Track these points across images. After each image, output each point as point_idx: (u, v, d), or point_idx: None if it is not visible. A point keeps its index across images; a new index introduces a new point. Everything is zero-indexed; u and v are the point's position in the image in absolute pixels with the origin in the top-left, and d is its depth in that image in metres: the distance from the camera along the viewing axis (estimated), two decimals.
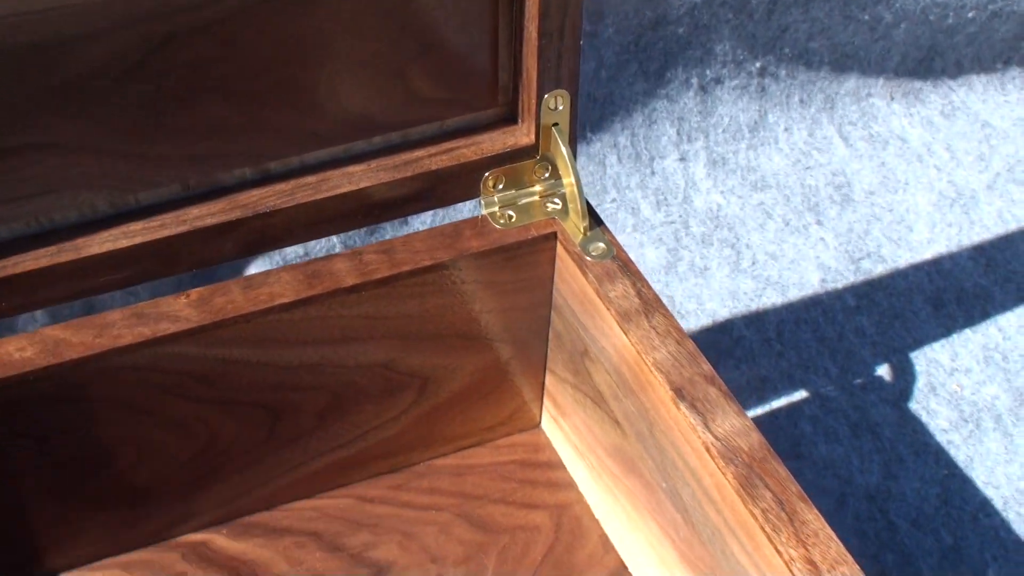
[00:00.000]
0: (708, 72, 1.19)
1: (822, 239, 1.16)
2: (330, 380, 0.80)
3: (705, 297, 1.11)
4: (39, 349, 0.72)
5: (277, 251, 1.08)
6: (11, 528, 0.78)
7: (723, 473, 0.68)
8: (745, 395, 1.04)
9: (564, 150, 0.78)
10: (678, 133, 1.20)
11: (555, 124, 0.79)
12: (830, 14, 1.21)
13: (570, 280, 0.79)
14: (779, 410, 1.03)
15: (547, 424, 0.89)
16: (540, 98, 0.77)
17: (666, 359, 0.72)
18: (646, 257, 1.14)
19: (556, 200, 0.81)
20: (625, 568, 0.82)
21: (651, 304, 0.75)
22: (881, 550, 0.96)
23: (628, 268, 0.77)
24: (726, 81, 1.20)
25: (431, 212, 1.12)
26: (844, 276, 1.13)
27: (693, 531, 0.73)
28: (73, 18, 0.67)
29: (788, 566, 0.64)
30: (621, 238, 1.16)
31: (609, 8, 1.12)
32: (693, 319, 1.09)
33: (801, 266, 1.14)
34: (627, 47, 1.15)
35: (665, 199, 1.18)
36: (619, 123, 1.18)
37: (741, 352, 1.07)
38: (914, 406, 1.05)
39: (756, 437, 0.69)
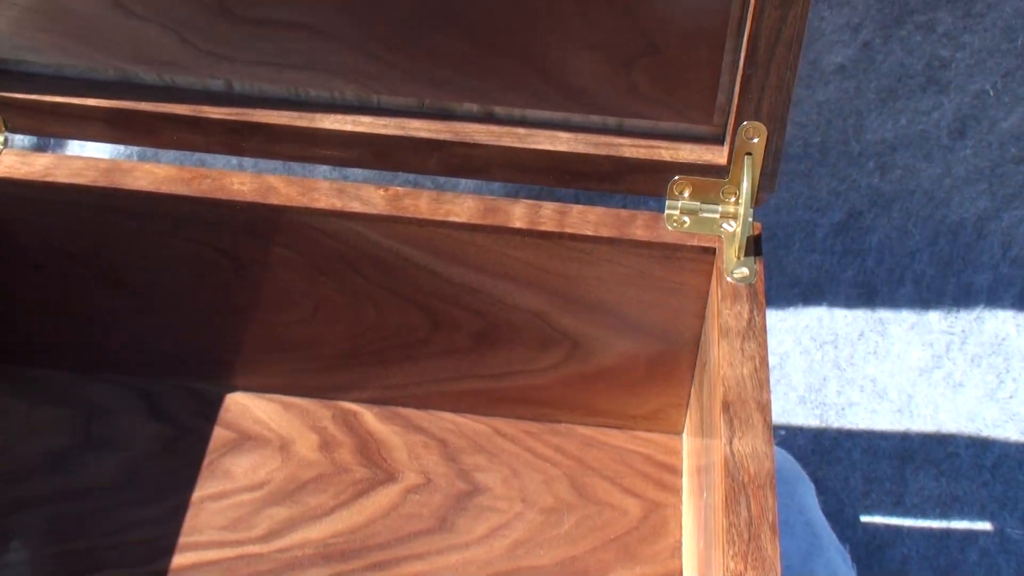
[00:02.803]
0: None
1: None
2: (488, 308, 0.90)
3: (943, 408, 1.11)
4: (254, 188, 0.87)
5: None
6: (207, 335, 0.94)
7: (722, 483, 0.72)
8: (931, 505, 1.04)
9: (746, 182, 0.84)
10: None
11: (748, 153, 0.85)
12: None
13: (713, 294, 0.85)
14: (954, 531, 1.02)
15: (687, 433, 0.95)
16: (739, 125, 0.84)
17: (734, 376, 0.77)
18: (909, 355, 1.16)
19: (732, 223, 0.86)
20: (680, 574, 0.87)
21: (755, 331, 0.80)
22: None
23: (756, 298, 0.82)
24: None
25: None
26: None
27: (704, 539, 0.78)
28: None
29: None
30: (895, 330, 1.18)
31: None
32: (920, 422, 1.10)
33: None
34: None
35: (956, 312, 1.19)
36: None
37: (948, 466, 1.07)
38: None
39: (767, 467, 0.73)
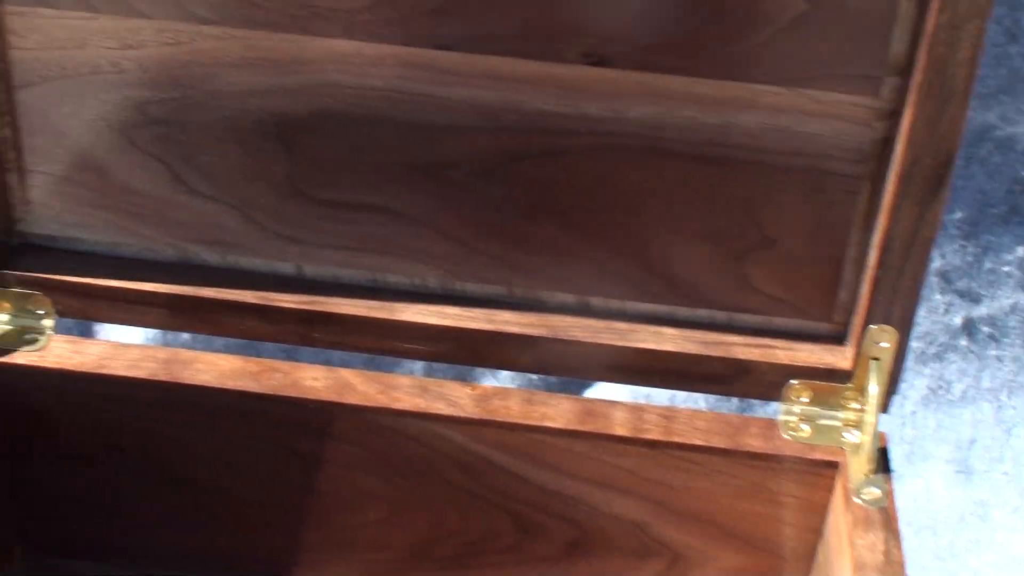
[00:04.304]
0: None
1: None
2: (582, 517, 0.82)
3: None
4: (328, 384, 0.79)
5: None
6: (269, 533, 0.85)
7: None
8: None
9: (875, 388, 0.76)
10: None
11: (876, 358, 0.77)
12: None
13: (837, 514, 0.77)
14: None
15: None
16: (866, 327, 0.76)
17: None
18: (1014, 543, 1.07)
19: (856, 432, 0.78)
20: None
21: (894, 566, 0.72)
22: None
23: (890, 524, 0.74)
24: None
25: None
26: None
27: None
28: (444, 111, 0.74)
29: None
30: (997, 514, 1.10)
31: None
32: None
33: None
34: None
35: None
36: None
37: None
38: None
39: None
